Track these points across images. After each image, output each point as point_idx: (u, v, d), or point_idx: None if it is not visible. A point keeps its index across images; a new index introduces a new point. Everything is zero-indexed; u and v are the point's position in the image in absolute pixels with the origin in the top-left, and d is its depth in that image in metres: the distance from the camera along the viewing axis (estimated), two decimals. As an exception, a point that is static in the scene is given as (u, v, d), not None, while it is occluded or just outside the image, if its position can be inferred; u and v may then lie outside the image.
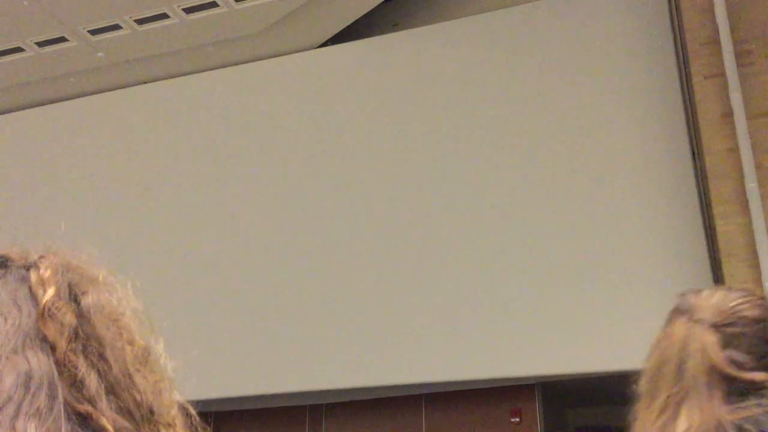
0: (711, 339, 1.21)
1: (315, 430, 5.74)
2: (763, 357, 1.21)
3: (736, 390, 1.18)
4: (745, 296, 1.30)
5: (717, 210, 4.57)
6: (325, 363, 5.12)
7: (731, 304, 1.27)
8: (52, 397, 0.63)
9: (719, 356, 1.20)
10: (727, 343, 1.22)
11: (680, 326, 1.27)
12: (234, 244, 5.65)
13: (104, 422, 0.63)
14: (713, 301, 1.29)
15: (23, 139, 6.56)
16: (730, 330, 1.23)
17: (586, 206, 4.91)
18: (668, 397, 1.19)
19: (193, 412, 0.75)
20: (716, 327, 1.24)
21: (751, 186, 4.47)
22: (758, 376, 1.18)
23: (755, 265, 4.38)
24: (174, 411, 0.71)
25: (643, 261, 4.70)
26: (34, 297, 0.68)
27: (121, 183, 6.13)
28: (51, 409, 0.62)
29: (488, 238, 5.05)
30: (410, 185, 5.37)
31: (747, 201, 4.47)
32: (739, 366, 1.20)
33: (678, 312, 1.32)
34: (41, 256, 0.73)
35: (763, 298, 1.31)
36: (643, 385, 1.25)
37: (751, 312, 1.26)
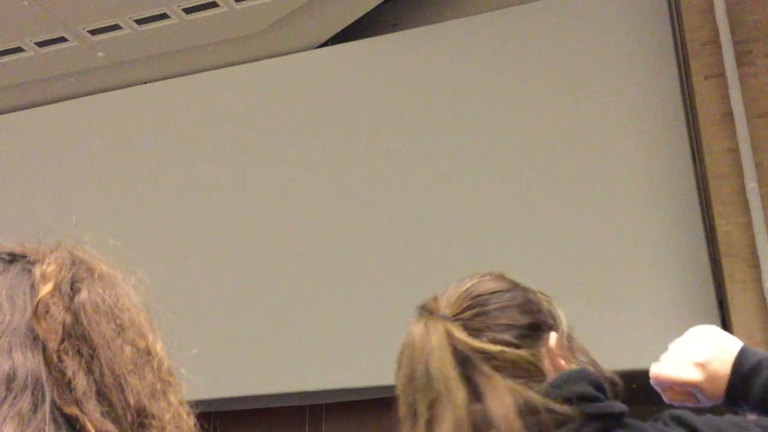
0: (451, 327, 1.06)
1: (315, 430, 5.73)
2: (515, 327, 1.09)
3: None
4: (478, 277, 1.17)
5: (717, 210, 4.57)
6: (325, 363, 5.12)
7: (464, 289, 1.14)
8: (37, 398, 0.61)
9: (464, 338, 1.05)
10: (471, 328, 1.08)
11: (418, 328, 1.10)
12: (234, 244, 5.65)
13: (89, 426, 0.62)
14: (448, 293, 1.15)
15: (23, 139, 6.56)
16: (466, 314, 1.10)
17: (585, 206, 4.91)
18: (427, 409, 1.02)
19: (190, 416, 0.74)
20: (453, 318, 1.11)
21: (751, 186, 4.47)
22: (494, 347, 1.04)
23: (755, 265, 4.38)
24: (169, 415, 0.69)
25: (643, 261, 4.69)
26: (35, 292, 0.67)
27: (121, 183, 6.13)
28: (35, 411, 0.60)
29: (488, 238, 5.05)
30: (410, 185, 5.37)
31: (747, 201, 4.47)
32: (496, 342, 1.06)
33: (416, 317, 1.14)
34: (50, 251, 0.72)
35: (500, 274, 1.19)
36: (401, 411, 1.07)
37: (485, 287, 1.14)
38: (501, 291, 1.13)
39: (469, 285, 1.14)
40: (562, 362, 1.09)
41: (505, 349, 1.04)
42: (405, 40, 5.78)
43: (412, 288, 5.08)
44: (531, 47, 5.37)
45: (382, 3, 5.72)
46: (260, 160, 5.81)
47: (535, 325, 1.11)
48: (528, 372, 1.04)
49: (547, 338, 1.11)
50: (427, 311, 1.12)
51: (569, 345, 1.15)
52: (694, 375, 1.08)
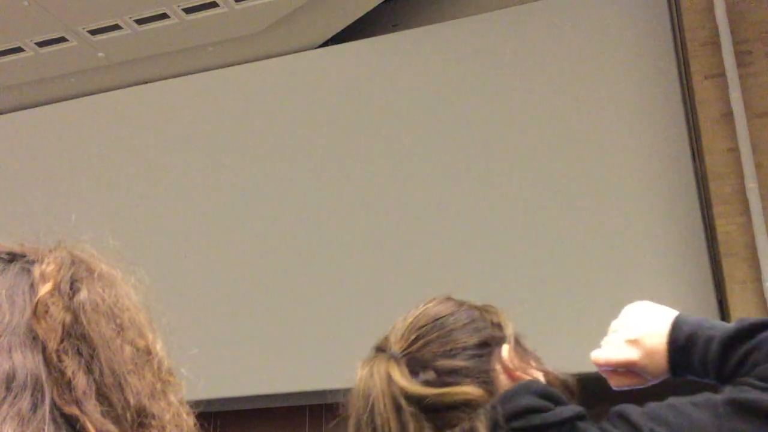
0: (392, 370, 1.02)
1: (315, 430, 5.73)
2: (451, 355, 1.05)
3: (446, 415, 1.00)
4: (423, 305, 1.14)
5: (717, 210, 4.57)
6: (325, 363, 5.11)
7: (410, 322, 1.11)
8: (37, 398, 0.61)
9: (403, 384, 0.99)
10: (415, 364, 1.04)
11: (363, 373, 1.06)
12: (234, 244, 5.65)
13: (89, 426, 0.62)
14: (396, 328, 1.12)
15: (23, 139, 6.56)
16: (414, 347, 1.06)
17: (585, 206, 4.91)
18: None
19: (190, 415, 0.74)
20: (402, 354, 1.05)
21: (751, 186, 4.47)
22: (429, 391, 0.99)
23: (755, 265, 4.38)
24: (169, 415, 0.69)
25: (643, 261, 4.69)
26: (34, 292, 0.67)
27: (121, 183, 6.13)
28: (35, 411, 0.60)
29: (487, 238, 5.05)
30: (409, 185, 5.37)
31: (747, 201, 4.47)
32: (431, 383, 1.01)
33: (365, 358, 1.10)
34: (50, 251, 0.72)
35: (445, 297, 1.16)
36: None
37: (429, 315, 1.11)
38: (445, 316, 1.12)
39: (413, 317, 1.13)
40: (518, 374, 1.09)
41: (449, 390, 1.02)
42: (405, 40, 5.78)
43: (413, 287, 5.09)
44: (531, 47, 5.37)
45: (382, 3, 5.72)
46: (260, 160, 5.81)
47: (484, 343, 1.10)
48: (472, 403, 1.02)
49: (500, 352, 1.10)
50: (379, 350, 1.11)
51: (521, 354, 1.14)
52: (629, 354, 1.06)
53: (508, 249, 4.98)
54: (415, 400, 1.00)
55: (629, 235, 4.78)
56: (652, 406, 0.98)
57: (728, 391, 0.94)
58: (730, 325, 0.99)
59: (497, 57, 5.44)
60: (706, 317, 1.04)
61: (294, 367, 5.21)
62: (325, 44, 6.01)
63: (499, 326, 1.15)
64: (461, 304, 1.16)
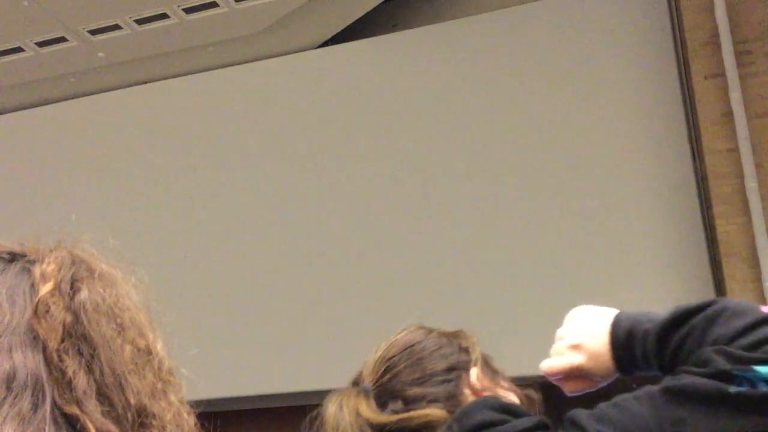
0: (360, 404, 1.04)
1: (315, 430, 5.73)
2: (420, 382, 1.08)
3: None
4: (394, 336, 1.16)
5: (717, 210, 4.57)
6: (325, 363, 5.12)
7: (380, 354, 1.13)
8: (37, 398, 0.61)
9: (368, 416, 1.02)
10: (385, 395, 1.07)
11: (332, 408, 1.08)
12: (234, 244, 5.65)
13: (90, 426, 0.62)
14: (368, 362, 1.14)
15: (23, 139, 6.55)
16: (385, 378, 1.09)
17: (585, 206, 4.91)
18: None
19: (190, 415, 0.74)
20: (373, 386, 1.08)
21: (751, 186, 4.47)
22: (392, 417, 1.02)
23: (755, 265, 4.38)
24: (170, 415, 0.69)
25: (643, 261, 4.69)
26: (35, 292, 0.67)
27: (121, 183, 6.13)
28: (35, 411, 0.60)
29: (487, 238, 5.05)
30: (409, 185, 5.37)
31: (747, 201, 4.47)
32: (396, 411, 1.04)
33: (336, 393, 1.12)
34: (50, 251, 0.72)
35: (417, 327, 1.18)
36: None
37: (399, 345, 1.13)
38: (413, 344, 1.14)
39: (384, 348, 1.15)
40: (486, 395, 1.11)
41: (411, 414, 1.04)
42: (405, 40, 5.78)
43: (413, 288, 5.09)
44: (531, 47, 5.37)
45: (382, 3, 5.72)
46: (260, 160, 5.81)
47: (452, 368, 1.12)
48: (434, 424, 1.04)
49: (468, 376, 1.12)
50: (353, 383, 1.13)
51: (491, 376, 1.17)
52: (573, 359, 1.06)
53: (508, 249, 4.99)
54: (379, 429, 1.03)
55: (629, 235, 4.78)
56: (601, 406, 0.99)
57: (665, 380, 0.94)
58: (665, 315, 1.00)
59: (497, 57, 5.44)
60: (646, 311, 1.04)
61: (294, 367, 5.21)
62: (325, 44, 6.01)
63: (466, 351, 1.17)
64: (430, 331, 1.18)
